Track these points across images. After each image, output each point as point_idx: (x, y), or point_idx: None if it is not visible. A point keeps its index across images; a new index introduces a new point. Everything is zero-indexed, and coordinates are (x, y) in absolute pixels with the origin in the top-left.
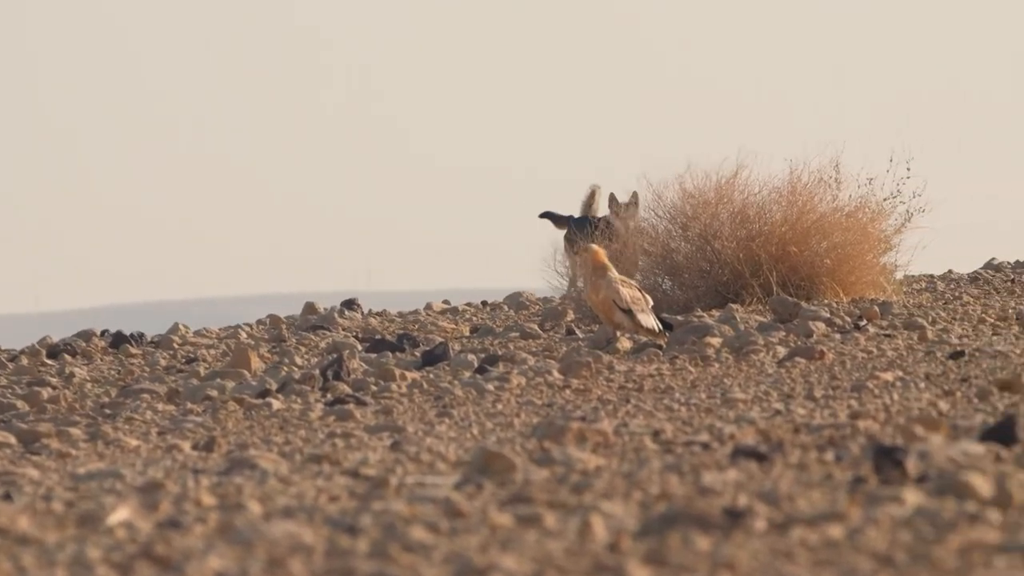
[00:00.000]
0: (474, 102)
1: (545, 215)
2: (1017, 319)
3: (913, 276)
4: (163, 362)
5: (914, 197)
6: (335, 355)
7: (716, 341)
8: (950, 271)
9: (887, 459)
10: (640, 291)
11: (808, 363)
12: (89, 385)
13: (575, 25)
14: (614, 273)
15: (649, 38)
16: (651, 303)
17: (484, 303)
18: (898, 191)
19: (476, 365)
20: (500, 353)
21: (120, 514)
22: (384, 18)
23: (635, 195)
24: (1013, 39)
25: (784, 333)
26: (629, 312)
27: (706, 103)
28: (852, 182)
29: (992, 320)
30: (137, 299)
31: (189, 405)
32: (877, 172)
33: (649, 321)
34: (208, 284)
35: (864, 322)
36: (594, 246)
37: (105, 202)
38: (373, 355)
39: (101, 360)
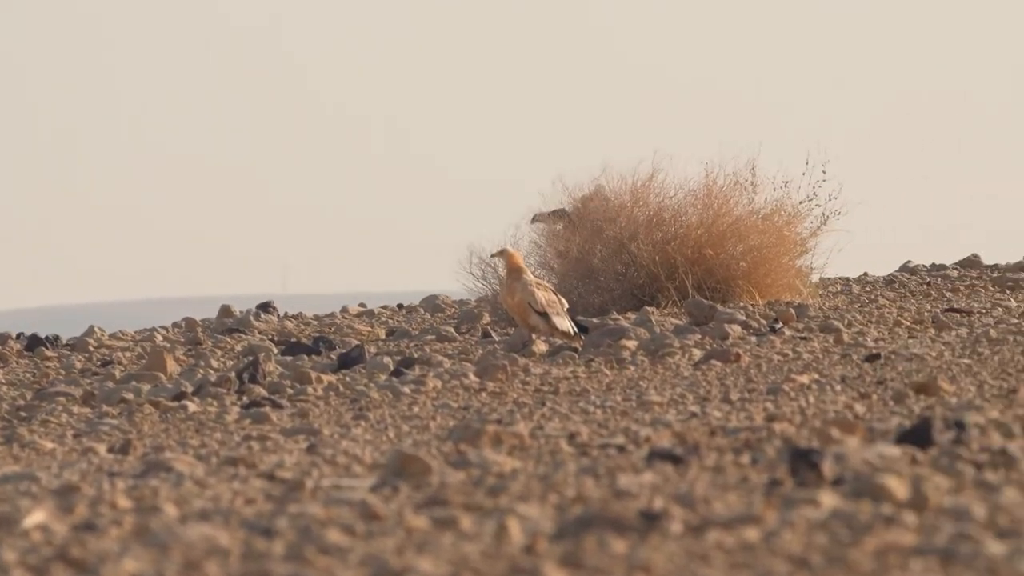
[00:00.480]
0: (389, 100)
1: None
2: (933, 322)
3: (829, 279)
4: (78, 365)
5: (830, 200)
6: (251, 358)
7: (632, 344)
8: (866, 274)
9: (803, 462)
10: (555, 294)
11: (724, 366)
12: (4, 388)
13: (487, 22)
14: (529, 276)
15: (562, 39)
16: (567, 306)
17: (400, 306)
18: (814, 194)
19: (392, 368)
20: (416, 356)
21: (36, 517)
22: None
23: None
24: (921, 35)
25: (700, 336)
26: (544, 315)
27: (622, 106)
28: (768, 185)
29: (908, 323)
30: (53, 302)
31: (105, 408)
32: (793, 175)
33: (564, 324)
34: (123, 287)
35: (780, 325)
36: (510, 249)
37: (16, 206)
38: (289, 358)
39: (16, 363)
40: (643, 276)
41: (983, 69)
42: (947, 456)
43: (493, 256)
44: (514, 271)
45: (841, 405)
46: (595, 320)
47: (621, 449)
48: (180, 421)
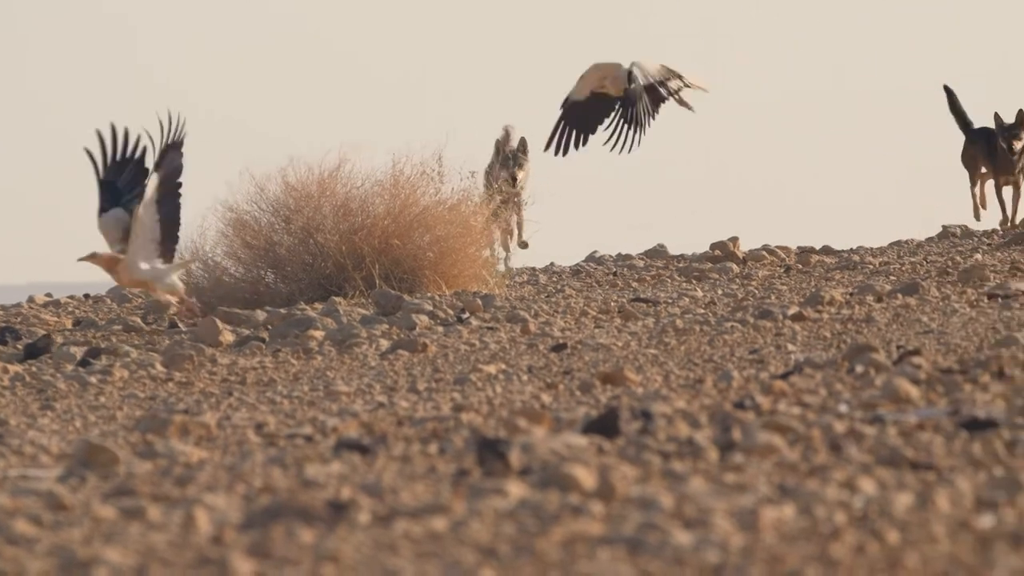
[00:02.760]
0: (66, 84)
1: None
2: (619, 312)
3: (515, 269)
4: None
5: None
6: None
7: (319, 334)
8: (552, 264)
9: (490, 451)
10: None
11: (411, 356)
12: None
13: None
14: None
15: (254, 28)
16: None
17: (87, 296)
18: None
19: (79, 358)
20: (103, 346)
21: None
22: None
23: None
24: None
25: (387, 326)
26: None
27: (309, 93)
28: (455, 175)
29: (594, 313)
30: None
31: None
32: (480, 165)
33: (174, 281)
34: None
35: (467, 315)
36: (98, 253)
37: None
38: None
39: None
40: (330, 266)
41: (680, 59)
42: (634, 446)
43: (81, 260)
44: (110, 260)
45: (528, 395)
46: (282, 311)
47: (308, 439)
48: None
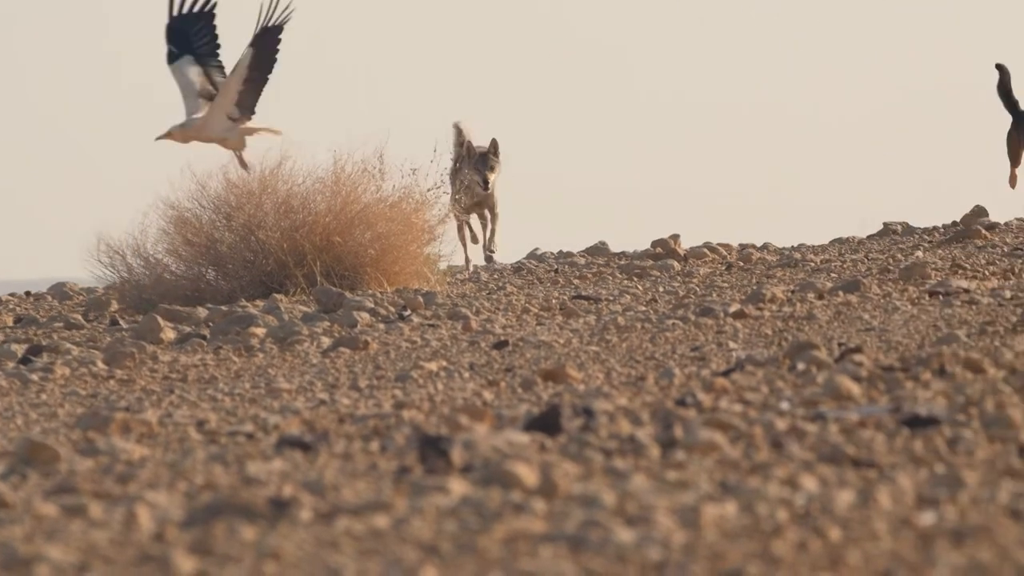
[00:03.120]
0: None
1: None
2: (561, 309)
3: (457, 266)
4: None
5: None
6: None
7: (260, 331)
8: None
9: (432, 449)
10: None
11: (353, 353)
12: None
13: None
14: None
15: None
16: None
17: (28, 293)
18: (442, 181)
19: (20, 356)
20: (44, 343)
21: None
22: None
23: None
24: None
25: (329, 323)
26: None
27: None
28: (396, 172)
29: (536, 310)
30: None
31: None
32: (421, 163)
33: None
34: None
35: (408, 312)
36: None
37: None
38: None
39: None
40: (271, 263)
41: (618, 59)
42: (576, 443)
43: (159, 139)
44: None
45: (470, 392)
46: (224, 308)
47: (250, 436)
48: None
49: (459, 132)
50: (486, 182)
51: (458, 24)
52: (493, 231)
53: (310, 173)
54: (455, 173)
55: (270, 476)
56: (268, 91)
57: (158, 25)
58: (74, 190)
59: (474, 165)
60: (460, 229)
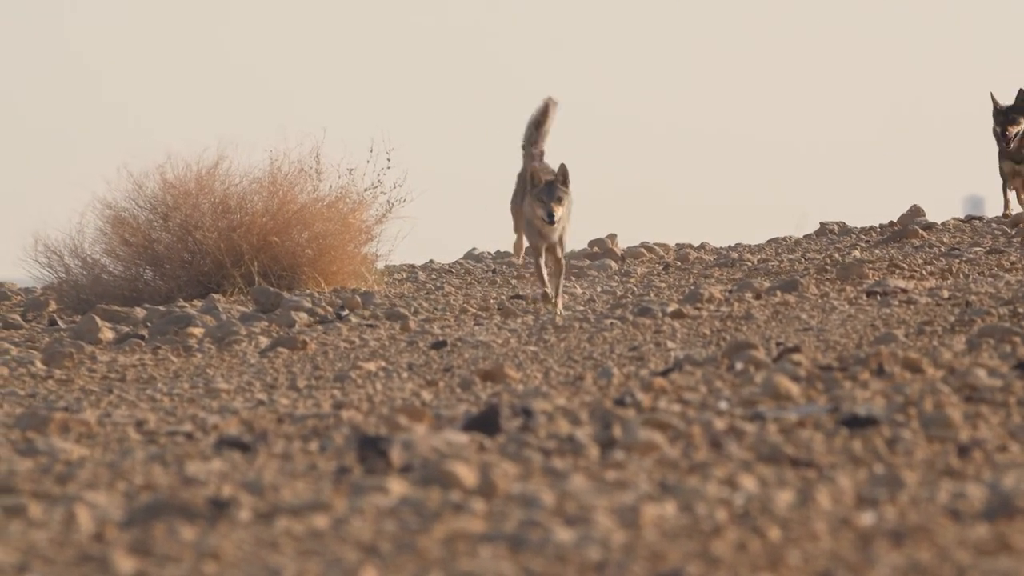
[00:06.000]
0: None
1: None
2: (499, 309)
3: (395, 266)
4: None
5: (395, 187)
6: None
7: (198, 331)
8: (431, 261)
9: (371, 449)
10: None
11: (291, 353)
12: None
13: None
14: None
15: (141, 30)
16: None
17: None
18: (379, 181)
19: None
20: None
21: None
22: None
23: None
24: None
25: (267, 323)
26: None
27: (184, 88)
28: (333, 172)
29: (474, 310)
30: None
31: None
32: (358, 163)
33: None
34: None
35: (346, 312)
36: None
37: None
38: None
39: None
40: (209, 263)
41: (554, 59)
42: (515, 443)
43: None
44: None
45: (408, 392)
46: (162, 308)
47: (189, 436)
48: None
49: (546, 109)
50: (551, 215)
51: (393, 23)
52: (559, 285)
53: (247, 173)
54: (515, 199)
55: (209, 476)
56: (207, 92)
57: (97, 22)
58: (10, 189)
59: (537, 196)
60: (538, 268)
